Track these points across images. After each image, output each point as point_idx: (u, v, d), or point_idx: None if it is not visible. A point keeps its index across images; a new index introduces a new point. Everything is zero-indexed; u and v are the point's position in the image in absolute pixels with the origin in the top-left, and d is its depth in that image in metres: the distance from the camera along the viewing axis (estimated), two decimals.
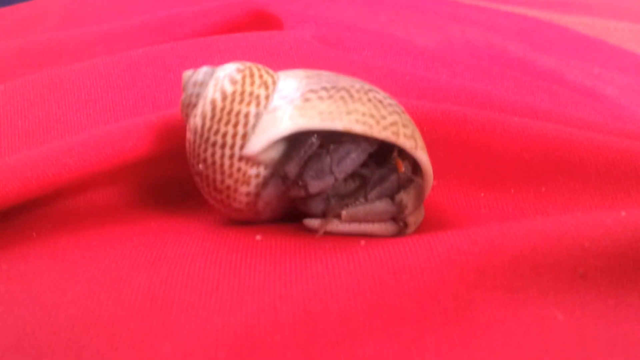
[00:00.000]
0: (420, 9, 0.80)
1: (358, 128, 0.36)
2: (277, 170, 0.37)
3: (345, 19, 0.75)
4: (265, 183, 0.38)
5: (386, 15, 0.79)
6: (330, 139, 0.37)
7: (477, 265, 0.31)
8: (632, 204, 0.39)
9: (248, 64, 0.39)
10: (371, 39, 0.63)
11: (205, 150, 0.37)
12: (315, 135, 0.37)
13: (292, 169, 0.37)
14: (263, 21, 0.70)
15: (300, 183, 0.37)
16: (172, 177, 0.45)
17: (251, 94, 0.37)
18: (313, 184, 0.36)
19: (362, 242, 0.35)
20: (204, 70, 0.40)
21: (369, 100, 0.37)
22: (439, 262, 0.31)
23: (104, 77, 0.52)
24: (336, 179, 0.36)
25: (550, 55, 0.70)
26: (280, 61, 0.55)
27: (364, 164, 0.37)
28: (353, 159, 0.36)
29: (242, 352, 0.27)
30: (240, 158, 0.37)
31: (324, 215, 0.38)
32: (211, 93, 0.38)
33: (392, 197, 0.37)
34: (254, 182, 0.38)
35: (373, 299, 0.30)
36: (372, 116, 0.36)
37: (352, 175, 0.37)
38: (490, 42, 0.71)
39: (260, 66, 0.39)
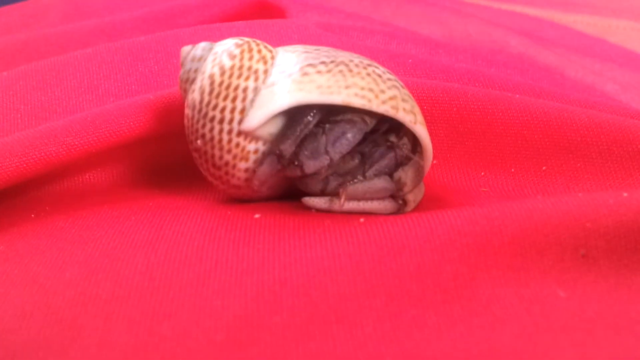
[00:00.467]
0: (423, 3, 0.79)
1: (357, 102, 0.35)
2: (273, 148, 0.37)
3: (348, 11, 0.75)
4: (263, 159, 0.38)
5: (389, 9, 0.78)
6: (329, 115, 0.36)
7: (477, 245, 0.31)
8: (634, 184, 0.39)
9: (247, 39, 0.39)
10: (374, 28, 0.62)
11: (203, 126, 0.37)
12: (312, 113, 0.36)
13: (287, 147, 0.36)
14: (266, 12, 0.70)
15: (296, 162, 0.36)
16: (171, 156, 0.45)
17: (250, 68, 0.37)
18: (308, 164, 0.36)
19: (361, 219, 0.34)
20: (202, 45, 0.39)
21: (368, 74, 0.36)
22: (438, 242, 0.31)
23: (106, 63, 0.52)
24: (331, 159, 0.36)
25: (551, 51, 0.70)
26: (282, 45, 0.55)
27: (362, 141, 0.37)
28: (348, 139, 0.36)
29: (241, 334, 0.27)
30: (239, 133, 0.37)
31: (322, 193, 0.38)
32: (209, 68, 0.37)
33: (390, 174, 0.37)
34: (252, 157, 0.37)
35: (372, 279, 0.30)
36: (371, 90, 0.36)
37: (351, 153, 0.37)
38: (492, 38, 0.71)
39: (258, 41, 0.39)
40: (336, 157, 0.36)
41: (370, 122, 0.37)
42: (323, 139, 0.36)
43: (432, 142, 0.38)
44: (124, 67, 0.52)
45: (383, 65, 0.42)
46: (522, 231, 0.31)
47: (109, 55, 0.53)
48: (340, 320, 0.28)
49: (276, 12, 0.69)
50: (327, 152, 0.36)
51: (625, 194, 0.32)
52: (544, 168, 0.42)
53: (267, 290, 0.29)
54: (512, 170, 0.42)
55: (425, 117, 0.38)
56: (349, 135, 0.36)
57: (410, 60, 0.50)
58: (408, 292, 0.30)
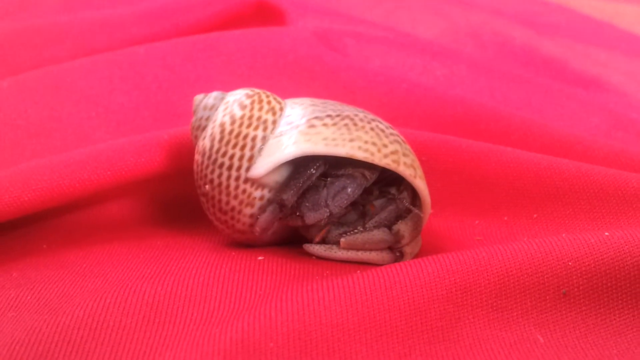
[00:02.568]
0: None
1: (360, 154, 0.37)
2: (276, 196, 0.39)
3: (349, 7, 0.75)
4: (267, 207, 0.39)
5: (391, 2, 0.78)
6: (333, 168, 0.38)
7: (464, 284, 0.32)
8: (619, 227, 0.40)
9: (257, 90, 0.41)
10: (372, 35, 0.62)
11: (212, 172, 0.39)
12: (316, 165, 0.38)
13: (289, 197, 0.38)
14: (266, 11, 0.71)
15: (297, 213, 0.38)
16: (180, 196, 0.47)
17: (259, 118, 0.39)
18: (309, 215, 0.38)
19: (358, 271, 0.35)
20: (214, 95, 0.42)
21: (372, 129, 0.38)
22: (427, 280, 0.32)
23: (106, 78, 0.53)
24: (331, 212, 0.38)
25: (557, 41, 0.69)
26: (279, 64, 0.56)
27: (363, 194, 0.39)
28: (348, 193, 0.38)
29: (237, 358, 0.29)
30: (246, 180, 0.39)
31: (323, 241, 0.39)
32: (221, 116, 0.40)
33: (390, 226, 0.38)
34: (257, 204, 0.39)
35: (364, 312, 0.31)
36: (374, 144, 0.38)
37: (353, 205, 0.39)
38: (495, 29, 0.70)
39: (268, 93, 0.41)
40: (335, 210, 0.38)
41: (371, 177, 0.38)
42: (324, 192, 0.38)
43: (429, 193, 0.39)
44: (123, 83, 0.53)
45: (377, 89, 0.43)
46: (507, 270, 0.33)
47: (109, 70, 0.54)
48: (332, 351, 0.30)
49: (275, 12, 0.70)
50: (327, 205, 0.38)
51: (606, 234, 0.34)
52: (535, 215, 0.43)
53: (263, 317, 0.30)
54: (505, 218, 0.44)
55: (423, 168, 0.40)
56: (349, 190, 0.38)
57: (404, 85, 0.51)
58: (397, 328, 0.31)
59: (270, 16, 0.71)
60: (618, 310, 0.32)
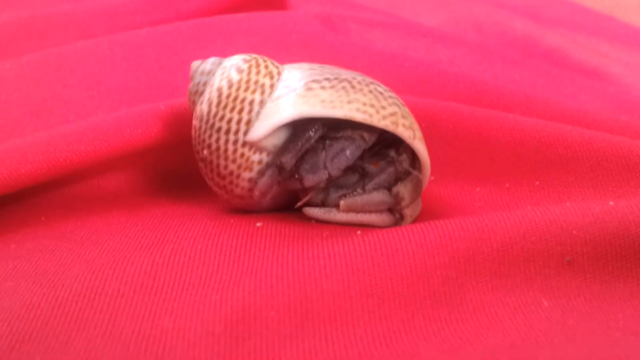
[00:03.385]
0: None
1: (358, 116, 0.37)
2: (275, 159, 0.38)
3: None
4: (265, 171, 0.39)
5: None
6: (331, 131, 0.38)
7: (467, 251, 0.32)
8: (622, 196, 0.40)
9: (254, 55, 0.41)
10: (375, 19, 0.63)
11: (210, 136, 0.39)
12: (315, 128, 0.38)
13: (288, 160, 0.38)
14: None
15: (296, 176, 0.38)
16: (178, 166, 0.46)
17: (256, 82, 0.39)
18: (308, 178, 0.38)
19: (358, 232, 0.36)
20: (211, 60, 0.41)
21: (370, 91, 0.38)
22: (430, 247, 0.32)
23: (108, 59, 0.53)
24: (330, 175, 0.37)
25: (557, 32, 0.70)
26: (282, 44, 0.56)
27: (362, 156, 0.38)
28: (347, 155, 0.37)
29: (237, 327, 0.28)
30: (244, 144, 0.38)
31: (323, 204, 0.39)
32: (218, 81, 0.39)
33: (389, 188, 0.38)
34: (256, 168, 0.39)
35: (366, 280, 0.31)
36: (372, 106, 0.37)
37: (351, 167, 0.38)
38: (497, 20, 0.71)
39: (266, 58, 0.41)
40: (334, 172, 0.38)
41: (369, 139, 0.38)
42: (323, 154, 0.38)
43: (429, 159, 0.39)
44: (125, 63, 0.53)
45: (380, 67, 0.43)
46: (510, 238, 0.32)
47: (109, 51, 0.54)
48: (334, 318, 0.30)
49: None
50: (326, 168, 0.37)
51: (611, 203, 0.34)
52: (537, 183, 0.43)
53: (264, 285, 0.30)
54: (507, 185, 0.44)
55: (423, 134, 0.40)
56: (348, 152, 0.37)
57: (407, 64, 0.51)
58: (399, 294, 0.31)
59: (272, 2, 0.71)
60: (623, 278, 0.32)
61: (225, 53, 0.42)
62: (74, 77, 0.52)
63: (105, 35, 0.58)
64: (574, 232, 0.32)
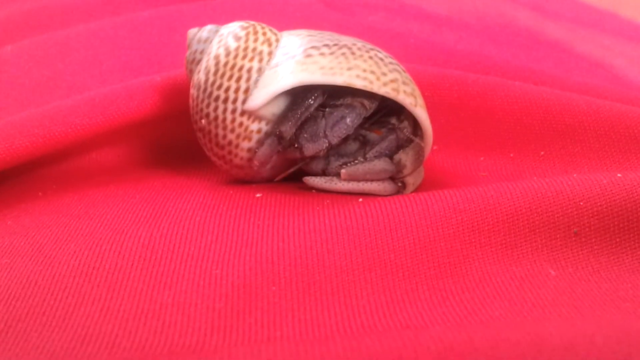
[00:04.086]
0: None
1: (358, 83, 0.36)
2: (274, 129, 0.38)
3: None
4: (265, 140, 0.38)
5: None
6: (331, 99, 0.37)
7: (472, 222, 0.32)
8: (629, 167, 0.39)
9: (252, 22, 0.39)
10: (378, 3, 0.62)
11: (208, 105, 0.38)
12: (314, 96, 0.37)
13: (287, 129, 0.37)
14: None
15: (295, 145, 0.37)
16: (175, 137, 0.46)
17: (254, 50, 0.38)
18: (307, 147, 0.37)
19: (360, 199, 0.35)
20: (208, 27, 0.40)
21: (370, 57, 0.37)
22: (434, 219, 0.32)
23: (110, 38, 0.53)
24: (330, 143, 0.37)
25: (561, 25, 0.70)
26: (284, 22, 0.55)
27: (363, 124, 0.37)
28: (347, 123, 0.37)
29: (239, 302, 0.28)
30: (242, 112, 0.37)
31: (323, 172, 0.38)
32: (215, 49, 0.38)
33: (391, 156, 0.38)
34: (255, 137, 0.38)
35: (368, 253, 0.30)
36: (372, 72, 0.36)
37: (352, 135, 0.38)
38: (500, 11, 0.70)
39: (264, 25, 0.40)
40: (334, 140, 0.37)
41: (370, 107, 0.37)
42: (322, 122, 0.37)
43: (432, 128, 0.38)
44: (127, 42, 0.52)
45: (385, 45, 0.43)
46: (516, 209, 0.32)
47: (112, 31, 0.53)
48: (336, 291, 0.29)
49: None
50: (325, 136, 0.37)
51: (619, 175, 0.33)
52: (542, 153, 0.42)
53: (265, 260, 0.30)
54: (511, 155, 0.43)
55: (426, 103, 0.39)
56: (348, 120, 0.37)
57: (412, 40, 0.50)
58: (402, 266, 0.30)
59: None
60: (630, 250, 0.32)
61: None
62: (76, 56, 0.51)
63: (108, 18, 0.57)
64: (581, 203, 0.32)
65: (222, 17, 0.55)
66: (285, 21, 0.55)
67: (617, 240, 0.32)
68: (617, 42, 0.70)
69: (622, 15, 0.83)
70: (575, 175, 0.33)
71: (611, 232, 0.32)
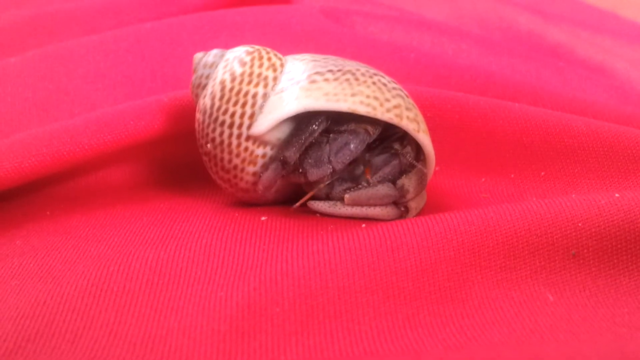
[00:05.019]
0: None
1: (362, 109, 0.37)
2: (279, 153, 0.38)
3: None
4: (269, 165, 0.39)
5: None
6: (335, 124, 0.38)
7: (472, 245, 0.32)
8: (628, 187, 0.40)
9: (257, 47, 0.40)
10: (379, 13, 0.63)
11: (213, 130, 0.39)
12: (318, 121, 0.37)
13: (292, 154, 0.37)
14: None
15: (300, 170, 0.38)
16: (182, 158, 0.46)
17: (259, 75, 0.38)
18: (312, 172, 0.37)
19: (363, 225, 0.36)
20: (214, 52, 0.41)
21: (374, 83, 0.38)
22: (435, 241, 0.32)
23: (113, 52, 0.53)
24: (334, 169, 0.37)
25: (562, 28, 0.69)
26: (287, 37, 0.56)
27: (366, 149, 0.38)
28: (351, 149, 0.37)
29: (243, 324, 0.28)
30: (248, 137, 0.38)
31: (327, 197, 0.39)
32: (221, 74, 0.39)
33: (394, 181, 0.38)
34: (260, 162, 0.39)
35: (371, 275, 0.31)
36: (376, 98, 0.37)
37: (356, 160, 0.38)
38: (501, 15, 0.70)
39: (269, 49, 0.40)
40: (339, 166, 0.37)
41: (374, 133, 0.38)
42: (327, 148, 0.37)
43: (434, 149, 0.38)
44: (130, 56, 0.53)
45: (385, 59, 0.43)
46: (516, 231, 0.32)
47: (115, 44, 0.54)
48: (339, 314, 0.30)
49: None
50: (330, 162, 0.37)
51: (617, 195, 0.33)
52: (542, 173, 0.42)
53: (269, 281, 0.30)
54: (512, 175, 0.43)
55: (427, 124, 0.39)
56: (352, 146, 0.37)
57: (412, 55, 0.50)
58: (404, 290, 0.31)
59: None
60: (628, 272, 0.32)
61: (229, 46, 0.42)
62: (79, 71, 0.52)
63: (110, 30, 0.58)
64: (580, 224, 0.32)
65: (225, 30, 0.56)
66: (286, 33, 0.56)
67: (615, 261, 0.32)
68: (618, 44, 0.70)
69: (623, 15, 0.83)
70: (574, 195, 0.34)
71: (609, 253, 0.32)
